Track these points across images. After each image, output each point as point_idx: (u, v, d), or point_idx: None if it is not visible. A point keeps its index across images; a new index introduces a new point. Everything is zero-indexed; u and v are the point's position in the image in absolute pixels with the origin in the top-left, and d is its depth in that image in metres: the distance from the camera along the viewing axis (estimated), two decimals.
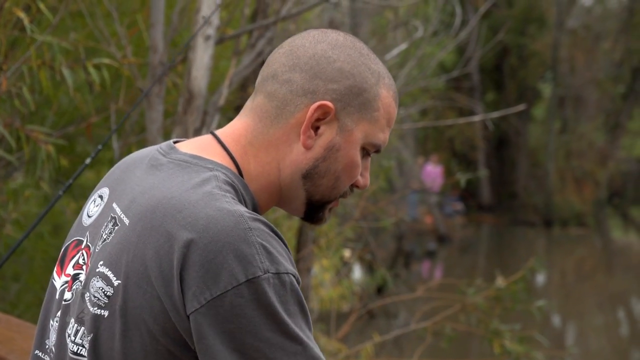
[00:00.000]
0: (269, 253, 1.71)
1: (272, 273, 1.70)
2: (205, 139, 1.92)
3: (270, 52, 7.81)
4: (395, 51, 9.07)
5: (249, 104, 1.92)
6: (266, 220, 1.75)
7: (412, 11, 11.15)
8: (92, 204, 1.96)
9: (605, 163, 32.36)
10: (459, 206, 26.64)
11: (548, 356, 9.91)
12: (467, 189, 25.17)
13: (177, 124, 6.71)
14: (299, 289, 1.74)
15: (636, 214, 34.54)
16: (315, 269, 10.73)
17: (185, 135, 6.71)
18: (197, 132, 6.68)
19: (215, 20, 6.54)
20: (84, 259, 1.90)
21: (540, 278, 19.28)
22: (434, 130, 28.08)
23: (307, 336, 1.73)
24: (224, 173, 1.83)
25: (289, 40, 1.92)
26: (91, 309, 1.81)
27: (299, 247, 9.52)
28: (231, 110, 8.23)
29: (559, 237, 26.53)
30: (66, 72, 5.31)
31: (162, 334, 1.74)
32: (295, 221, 9.86)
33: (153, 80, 5.21)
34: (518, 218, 29.11)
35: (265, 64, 1.93)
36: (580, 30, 32.27)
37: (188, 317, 1.71)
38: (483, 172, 9.23)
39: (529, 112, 31.75)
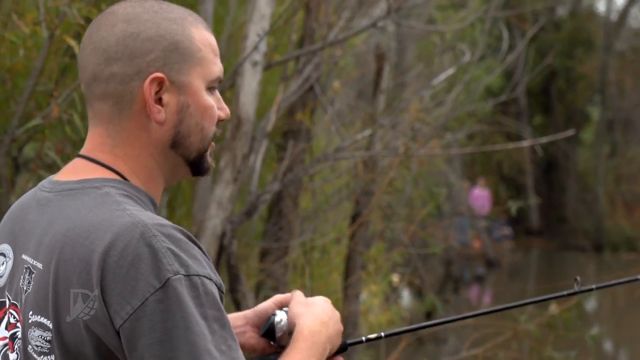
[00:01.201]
0: (176, 256, 1.73)
1: (182, 274, 1.72)
2: (77, 162, 1.93)
3: (318, 77, 7.83)
4: (442, 76, 9.04)
5: (90, 115, 1.93)
6: (175, 226, 1.78)
7: (459, 35, 11.12)
8: None
9: None
10: (507, 230, 26.44)
11: None
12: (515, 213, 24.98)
13: (225, 150, 6.72)
14: (213, 291, 1.76)
15: None
16: (364, 294, 10.68)
17: (234, 161, 6.72)
18: (245, 158, 6.69)
19: (263, 47, 6.56)
20: (15, 317, 1.89)
21: (591, 304, 19.07)
22: (482, 154, 27.94)
23: (224, 346, 1.74)
24: (112, 186, 1.85)
25: (86, 38, 1.91)
26: (38, 358, 1.83)
27: (348, 273, 9.48)
28: (279, 135, 8.24)
29: (610, 262, 26.24)
30: None
31: (101, 358, 1.76)
32: (344, 247, 9.82)
33: None
34: (568, 242, 28.84)
35: (80, 71, 1.93)
36: (628, 53, 32.02)
37: (117, 334, 1.73)
38: (534, 200, 9.16)
39: (578, 135, 31.51)
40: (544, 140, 8.61)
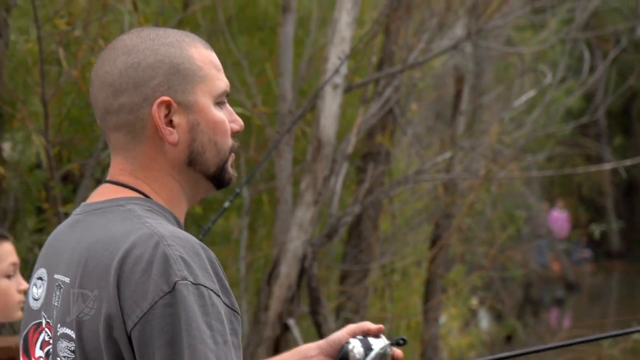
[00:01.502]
0: (187, 264, 1.79)
1: (190, 281, 1.78)
2: (104, 186, 1.99)
3: (397, 100, 7.83)
4: (523, 98, 8.99)
5: (109, 145, 2.00)
6: (196, 240, 1.85)
7: (538, 56, 11.04)
8: (34, 288, 2.03)
9: None
10: (587, 253, 26.10)
11: None
12: (594, 236, 24.68)
13: (306, 172, 6.75)
14: (219, 307, 1.80)
15: None
16: (444, 317, 10.61)
17: (314, 184, 6.74)
18: (326, 180, 6.70)
19: (343, 69, 6.58)
20: (49, 335, 1.96)
21: None
22: (561, 176, 27.67)
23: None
24: (135, 203, 1.91)
25: (93, 75, 1.98)
26: None
27: (428, 296, 9.43)
28: (358, 158, 8.25)
29: None
30: None
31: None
32: (423, 270, 9.78)
33: (284, 130, 5.27)
34: None
35: (93, 107, 2.00)
36: None
37: (129, 337, 1.79)
38: (616, 223, 9.05)
39: None
40: (628, 163, 8.50)
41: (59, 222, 5.67)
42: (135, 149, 1.95)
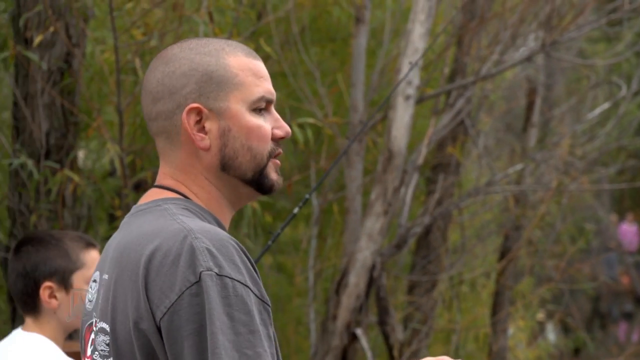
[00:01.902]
0: (213, 256, 1.85)
1: (214, 272, 1.84)
2: (151, 190, 2.08)
3: (469, 111, 7.79)
4: (597, 110, 8.91)
5: (157, 150, 2.08)
6: (226, 235, 1.91)
7: (611, 69, 10.93)
8: (90, 290, 2.10)
9: None
10: None
11: None
12: None
13: (376, 183, 6.75)
14: (245, 297, 1.83)
15: None
16: (511, 329, 10.54)
17: (385, 194, 6.74)
18: (396, 191, 6.70)
19: (416, 80, 6.58)
20: (95, 332, 2.03)
21: None
22: (631, 189, 27.35)
23: (251, 351, 1.81)
24: (173, 203, 1.99)
25: (143, 83, 2.09)
26: None
27: (496, 308, 9.39)
28: (428, 169, 8.23)
29: None
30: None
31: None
32: (491, 281, 9.73)
33: (353, 138, 5.28)
34: None
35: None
36: None
37: (158, 330, 1.84)
38: None
39: None
40: None
41: None
42: (173, 153, 2.03)
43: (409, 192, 6.98)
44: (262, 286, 1.90)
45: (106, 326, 1.95)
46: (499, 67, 7.20)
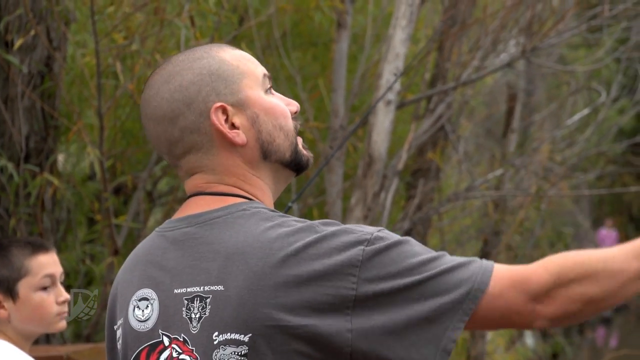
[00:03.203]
0: (356, 226, 1.86)
1: (375, 232, 1.84)
2: (196, 199, 2.00)
3: (449, 117, 7.81)
4: (577, 116, 8.95)
5: (182, 175, 2.03)
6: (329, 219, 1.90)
7: (591, 75, 10.97)
8: (138, 310, 2.00)
9: None
10: None
11: None
12: None
13: (356, 188, 6.75)
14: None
15: None
16: (490, 334, 10.57)
17: (365, 199, 6.74)
18: (376, 196, 6.70)
19: (397, 86, 6.58)
20: (177, 351, 1.94)
21: None
22: (610, 195, 27.48)
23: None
24: (257, 207, 1.94)
25: (144, 118, 2.02)
26: None
27: None
28: (409, 174, 8.24)
29: None
30: None
31: (314, 350, 1.83)
32: None
33: (337, 146, 5.28)
34: None
35: (155, 146, 2.04)
36: None
37: (358, 292, 1.80)
38: None
39: None
40: None
41: (111, 234, 5.73)
42: (211, 163, 1.97)
43: (388, 197, 6.98)
44: None
45: (241, 336, 1.86)
46: (479, 73, 7.22)
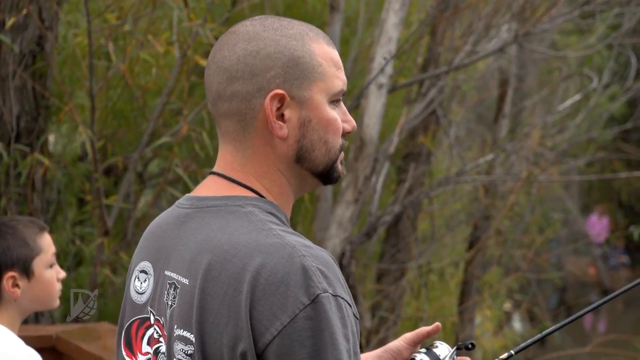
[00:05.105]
0: (325, 276, 1.77)
1: (330, 293, 1.76)
2: (213, 179, 1.96)
3: (441, 101, 7.82)
4: (568, 102, 8.95)
5: (219, 133, 1.96)
6: (320, 248, 1.83)
7: (582, 61, 10.98)
8: (137, 282, 2.00)
9: None
10: (624, 258, 25.94)
11: None
12: (632, 241, 24.52)
13: (348, 171, 6.76)
14: (352, 318, 1.79)
15: None
16: (478, 319, 10.60)
17: (355, 183, 6.75)
18: (367, 179, 6.71)
19: (389, 70, 6.58)
20: (158, 333, 1.94)
21: None
22: (600, 181, 27.52)
23: None
24: (254, 205, 1.88)
25: (210, 58, 1.94)
26: None
27: (463, 297, 9.43)
28: (400, 158, 8.25)
29: None
30: None
31: None
32: (460, 271, 9.77)
33: None
34: None
35: (206, 90, 1.96)
36: None
37: (263, 351, 1.76)
38: None
39: None
40: None
41: (101, 215, 5.73)
42: (246, 140, 1.91)
43: (379, 181, 6.99)
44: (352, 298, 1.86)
45: (189, 336, 1.84)
46: (471, 58, 7.22)
